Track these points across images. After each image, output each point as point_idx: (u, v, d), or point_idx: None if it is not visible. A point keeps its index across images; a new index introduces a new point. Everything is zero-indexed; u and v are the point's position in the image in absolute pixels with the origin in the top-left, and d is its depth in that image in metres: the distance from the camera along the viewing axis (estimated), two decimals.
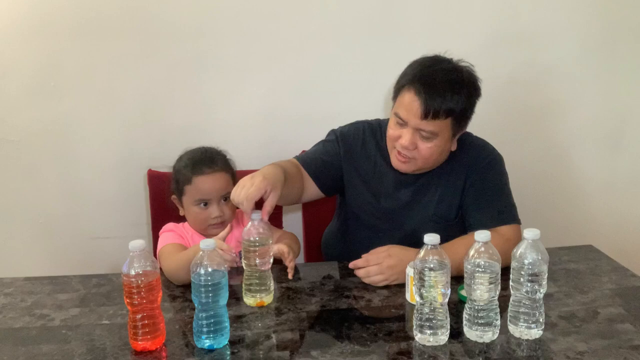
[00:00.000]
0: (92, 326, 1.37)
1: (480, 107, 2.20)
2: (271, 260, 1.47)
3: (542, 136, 2.29)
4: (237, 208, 1.73)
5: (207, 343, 1.25)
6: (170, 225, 1.75)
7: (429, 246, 1.24)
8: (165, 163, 2.11)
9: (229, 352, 1.25)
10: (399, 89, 1.60)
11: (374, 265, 1.52)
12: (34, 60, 2.11)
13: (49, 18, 2.07)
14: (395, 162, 1.65)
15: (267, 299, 1.46)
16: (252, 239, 1.43)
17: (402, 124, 1.58)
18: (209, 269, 1.24)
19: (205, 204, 1.70)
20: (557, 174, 2.33)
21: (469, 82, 1.58)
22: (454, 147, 1.66)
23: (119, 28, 2.09)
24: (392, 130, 1.62)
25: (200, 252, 1.25)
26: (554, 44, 2.20)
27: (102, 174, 2.22)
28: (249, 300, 1.45)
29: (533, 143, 2.29)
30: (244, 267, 1.46)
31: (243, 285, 1.47)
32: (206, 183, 1.69)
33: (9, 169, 2.19)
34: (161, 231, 1.74)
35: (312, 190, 1.73)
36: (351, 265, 1.57)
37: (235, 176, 1.77)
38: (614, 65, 2.25)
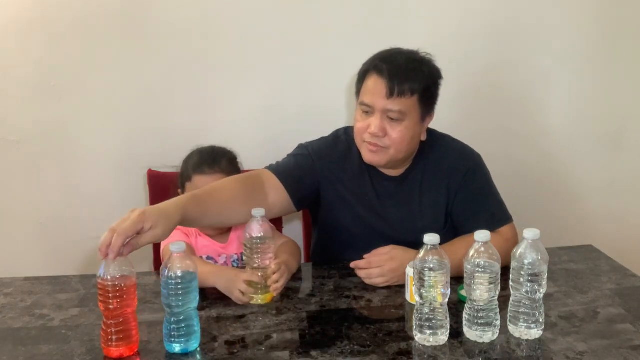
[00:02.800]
0: (92, 326, 1.36)
1: (480, 106, 2.22)
2: (272, 258, 1.47)
3: (542, 136, 2.29)
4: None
5: (177, 347, 1.24)
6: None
7: (429, 246, 1.24)
8: (165, 163, 2.11)
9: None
10: (360, 79, 1.61)
11: (376, 268, 1.52)
12: (34, 60, 2.11)
13: (49, 18, 2.07)
14: (367, 154, 1.59)
15: (267, 297, 1.45)
16: (254, 235, 1.42)
17: (369, 111, 1.56)
18: (179, 272, 1.21)
19: None
20: (557, 173, 2.33)
21: (428, 62, 1.60)
22: (424, 137, 1.64)
23: (119, 28, 2.09)
24: (359, 123, 1.59)
25: (170, 255, 1.22)
26: (554, 43, 2.20)
27: (102, 174, 2.22)
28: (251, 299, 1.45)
29: (533, 142, 2.29)
30: (246, 266, 1.46)
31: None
32: (203, 183, 1.66)
33: (9, 169, 2.20)
34: None
35: (281, 203, 1.60)
36: (352, 264, 1.56)
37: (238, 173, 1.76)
38: (614, 65, 2.25)
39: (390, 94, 1.52)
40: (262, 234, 1.42)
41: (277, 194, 1.59)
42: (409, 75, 1.53)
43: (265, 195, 1.57)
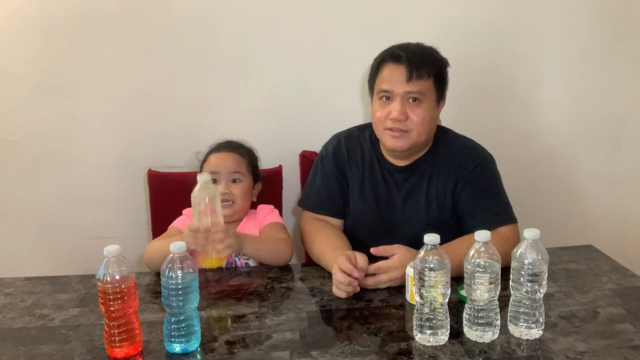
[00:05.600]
0: (93, 326, 1.37)
1: (479, 105, 2.22)
2: (220, 214, 1.54)
3: (542, 135, 2.29)
4: (254, 207, 1.85)
5: (177, 347, 1.25)
6: (188, 210, 1.79)
7: (429, 246, 1.24)
8: (165, 163, 2.12)
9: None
10: (375, 71, 1.68)
11: (384, 274, 1.49)
12: (34, 60, 2.11)
13: (49, 18, 2.07)
14: (389, 141, 1.65)
15: (212, 262, 1.53)
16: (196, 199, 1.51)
17: (389, 97, 1.64)
18: (179, 272, 1.22)
19: (215, 181, 1.75)
20: (557, 173, 2.33)
21: (435, 50, 1.69)
22: (440, 121, 1.71)
23: (119, 28, 2.09)
24: (379, 112, 1.65)
25: (170, 255, 1.23)
26: (553, 42, 2.20)
27: (102, 174, 2.22)
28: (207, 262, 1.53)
29: (533, 142, 2.29)
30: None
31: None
32: (216, 158, 1.78)
33: (9, 169, 2.19)
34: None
35: (341, 223, 1.80)
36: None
37: (255, 166, 1.86)
38: (614, 65, 2.25)
39: (410, 77, 1.60)
40: (207, 197, 1.51)
41: (337, 222, 1.80)
42: (425, 59, 1.62)
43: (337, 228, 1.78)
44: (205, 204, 1.50)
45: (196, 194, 1.51)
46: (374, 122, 1.69)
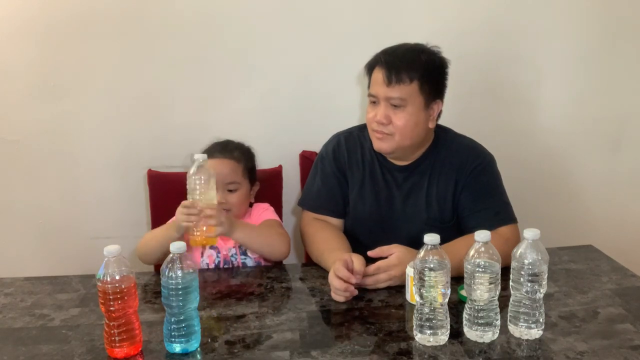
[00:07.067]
0: (92, 326, 1.37)
1: (479, 105, 2.22)
2: (214, 194, 1.56)
3: (542, 135, 2.29)
4: (251, 206, 1.84)
5: (177, 347, 1.25)
6: None
7: (429, 246, 1.24)
8: (165, 163, 2.12)
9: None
10: (368, 73, 1.69)
11: (383, 273, 1.49)
12: (34, 60, 2.11)
13: (49, 18, 2.06)
14: (375, 142, 1.68)
15: (203, 240, 1.54)
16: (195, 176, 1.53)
17: (375, 101, 1.65)
18: (179, 272, 1.21)
19: None
20: (557, 173, 2.34)
21: (429, 50, 1.66)
22: (432, 124, 1.68)
23: (119, 28, 2.09)
24: (368, 114, 1.68)
25: (170, 255, 1.23)
26: (553, 42, 2.20)
27: (102, 174, 2.22)
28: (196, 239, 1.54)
29: (533, 142, 2.29)
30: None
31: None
32: (211, 165, 1.70)
33: (9, 169, 2.19)
34: None
35: (342, 222, 1.81)
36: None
37: (251, 171, 1.82)
38: (614, 65, 2.25)
39: (389, 82, 1.60)
40: (202, 176, 1.53)
41: (337, 222, 1.79)
42: (406, 63, 1.60)
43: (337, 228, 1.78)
44: (201, 183, 1.52)
45: (192, 173, 1.52)
46: (367, 123, 1.71)
